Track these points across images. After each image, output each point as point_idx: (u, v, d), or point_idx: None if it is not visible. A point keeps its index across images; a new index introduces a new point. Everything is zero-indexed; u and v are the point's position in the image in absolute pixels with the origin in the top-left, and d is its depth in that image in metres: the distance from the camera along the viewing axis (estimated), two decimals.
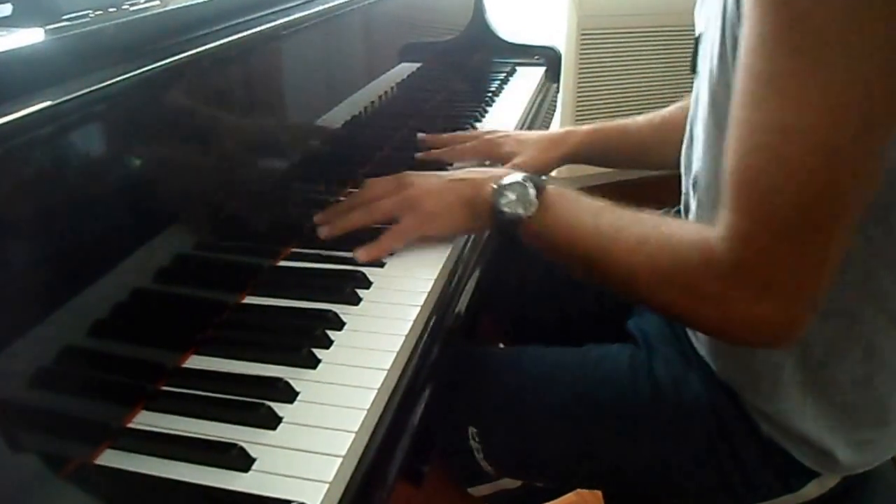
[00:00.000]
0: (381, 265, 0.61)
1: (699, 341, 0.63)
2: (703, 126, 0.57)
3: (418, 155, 0.82)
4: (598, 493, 0.83)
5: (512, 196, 0.57)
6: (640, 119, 0.85)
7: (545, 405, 0.65)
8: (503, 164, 0.80)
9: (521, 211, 0.57)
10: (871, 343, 0.54)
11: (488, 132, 0.86)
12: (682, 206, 0.67)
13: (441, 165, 0.80)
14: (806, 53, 0.41)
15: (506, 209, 0.57)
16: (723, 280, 0.47)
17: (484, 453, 0.66)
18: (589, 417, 0.64)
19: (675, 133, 0.78)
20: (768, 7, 0.42)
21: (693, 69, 0.62)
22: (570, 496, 0.83)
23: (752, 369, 0.58)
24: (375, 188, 0.65)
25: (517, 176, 0.59)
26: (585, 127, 0.86)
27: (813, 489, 0.60)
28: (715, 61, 0.53)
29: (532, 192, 0.57)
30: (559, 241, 0.56)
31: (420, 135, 0.86)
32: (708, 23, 0.56)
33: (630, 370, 0.65)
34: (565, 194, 0.58)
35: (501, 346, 1.00)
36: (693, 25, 0.63)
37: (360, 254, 0.61)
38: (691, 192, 0.62)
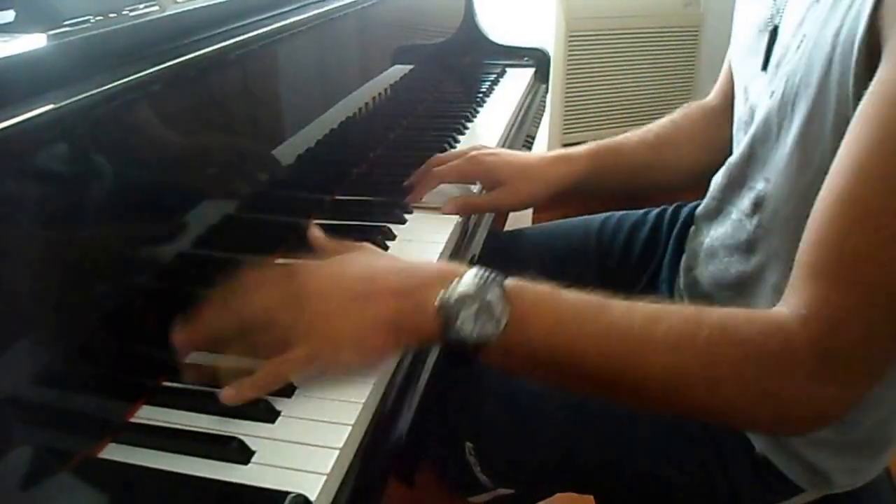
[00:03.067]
0: (386, 248, 0.62)
1: None
2: (783, 152, 0.53)
3: (406, 183, 0.74)
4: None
5: (471, 308, 0.42)
6: (633, 141, 0.76)
7: (540, 416, 0.65)
8: (486, 190, 0.72)
9: (489, 328, 0.42)
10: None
11: (475, 148, 0.75)
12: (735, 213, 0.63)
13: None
14: None
15: (466, 329, 0.42)
16: (805, 364, 0.40)
17: (481, 466, 0.66)
18: (583, 428, 0.64)
19: (668, 154, 0.75)
20: None
21: (765, 66, 0.57)
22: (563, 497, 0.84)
23: None
24: (251, 302, 0.45)
25: (469, 278, 0.43)
26: (580, 156, 0.74)
27: (799, 499, 0.61)
28: (812, 86, 0.48)
29: (498, 297, 0.42)
30: (549, 355, 0.43)
31: (406, 182, 0.75)
32: (804, 38, 0.51)
33: None
34: (537, 290, 0.44)
35: None
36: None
37: (226, 394, 0.43)
38: (746, 208, 0.59)
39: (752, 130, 0.59)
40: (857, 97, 0.45)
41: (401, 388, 0.50)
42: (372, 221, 0.68)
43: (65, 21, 0.44)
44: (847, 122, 0.44)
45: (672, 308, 0.43)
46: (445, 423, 0.67)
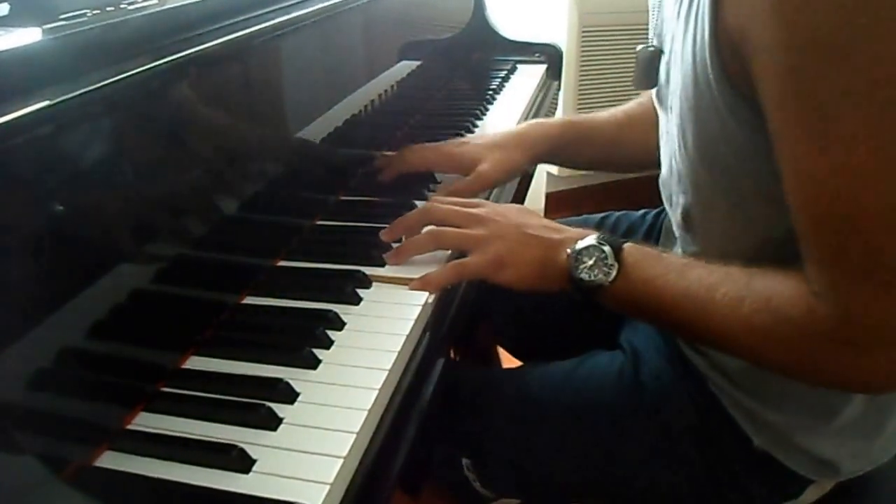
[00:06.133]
0: (382, 264, 0.61)
1: (699, 360, 0.62)
2: (682, 161, 0.56)
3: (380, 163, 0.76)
4: None
5: (589, 261, 0.55)
6: (604, 115, 0.81)
7: (536, 431, 0.65)
8: (468, 174, 0.74)
9: (600, 277, 0.54)
10: None
11: (447, 144, 0.79)
12: (674, 228, 0.66)
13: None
14: (859, 88, 0.39)
15: (584, 276, 0.55)
16: (829, 337, 0.45)
17: (480, 482, 0.67)
18: (581, 438, 0.64)
19: (636, 133, 0.78)
20: (806, 53, 0.40)
21: (653, 85, 0.61)
22: None
23: (759, 393, 0.57)
24: (447, 213, 0.61)
25: (591, 238, 0.56)
26: (554, 121, 0.81)
27: (811, 494, 0.61)
28: (690, 100, 0.51)
29: (610, 254, 0.54)
30: (645, 303, 0.54)
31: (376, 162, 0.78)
32: (673, 54, 0.54)
33: (617, 389, 0.64)
34: (645, 252, 0.56)
35: (500, 349, 1.00)
36: None
37: (415, 283, 0.58)
38: (679, 223, 0.61)
39: (664, 143, 0.61)
40: (724, 102, 0.48)
41: (406, 397, 0.49)
42: (378, 223, 0.66)
43: (61, 14, 0.44)
44: (723, 126, 0.49)
45: (734, 275, 0.51)
46: (443, 439, 0.68)
